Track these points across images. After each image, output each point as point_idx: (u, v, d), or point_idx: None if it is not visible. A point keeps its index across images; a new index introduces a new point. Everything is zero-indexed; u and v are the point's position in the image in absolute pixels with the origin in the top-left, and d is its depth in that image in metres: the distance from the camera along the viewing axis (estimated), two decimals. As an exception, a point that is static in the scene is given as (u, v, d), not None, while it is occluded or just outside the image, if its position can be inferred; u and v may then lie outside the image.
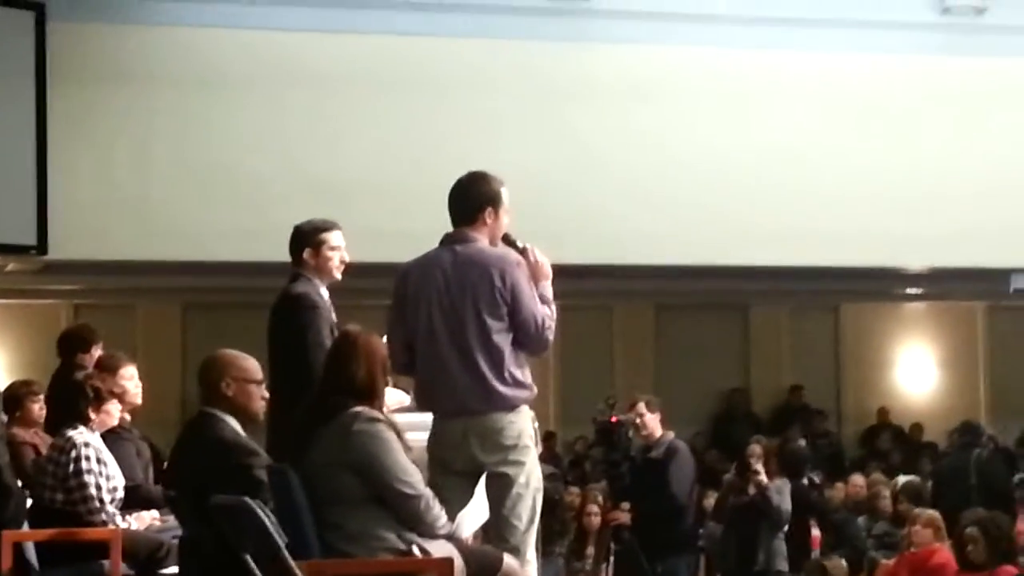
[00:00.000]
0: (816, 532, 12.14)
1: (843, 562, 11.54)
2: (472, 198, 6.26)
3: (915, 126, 14.71)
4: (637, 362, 17.86)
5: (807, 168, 14.43)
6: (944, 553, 10.55)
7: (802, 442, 13.74)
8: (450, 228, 6.29)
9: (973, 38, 14.74)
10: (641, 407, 10.92)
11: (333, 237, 6.97)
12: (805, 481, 12.18)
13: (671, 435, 10.99)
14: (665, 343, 18.14)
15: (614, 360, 17.92)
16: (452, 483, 6.01)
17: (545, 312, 6.17)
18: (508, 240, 6.32)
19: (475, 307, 6.07)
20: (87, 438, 7.59)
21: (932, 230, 14.57)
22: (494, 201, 6.27)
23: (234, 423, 6.33)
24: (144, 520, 7.81)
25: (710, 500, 13.10)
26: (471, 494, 5.94)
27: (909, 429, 18.70)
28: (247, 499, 5.17)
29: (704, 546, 12.07)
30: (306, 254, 6.91)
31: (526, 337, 6.12)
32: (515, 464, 6.08)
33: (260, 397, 6.40)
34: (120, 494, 7.62)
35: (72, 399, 7.79)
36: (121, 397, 8.19)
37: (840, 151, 14.52)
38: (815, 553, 11.78)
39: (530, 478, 6.12)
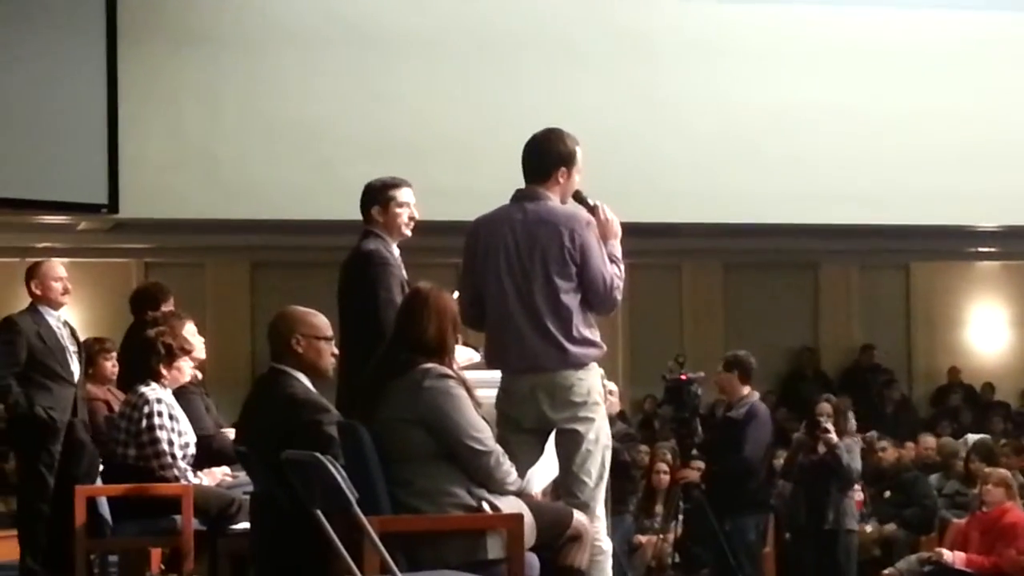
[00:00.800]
0: (860, 495, 12.07)
1: None
2: (547, 156, 6.22)
3: (988, 84, 14.57)
4: (706, 321, 17.81)
5: (879, 127, 14.34)
6: (1016, 512, 10.51)
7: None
8: (520, 186, 6.28)
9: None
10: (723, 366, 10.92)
11: (402, 194, 6.94)
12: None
13: (754, 396, 10.97)
14: (734, 302, 18.07)
15: (683, 319, 17.87)
16: (521, 440, 6.01)
17: (614, 271, 6.14)
18: (579, 197, 6.30)
19: (544, 266, 6.06)
20: (159, 394, 7.65)
21: (1004, 188, 14.45)
22: (568, 160, 6.23)
23: (304, 380, 6.36)
24: (215, 476, 7.88)
25: (780, 459, 13.08)
26: (540, 451, 5.92)
27: (980, 388, 18.57)
28: (318, 455, 5.18)
29: (774, 505, 12.05)
30: (375, 211, 6.88)
31: (595, 296, 6.10)
32: (585, 421, 6.07)
33: (330, 353, 6.42)
34: (192, 450, 7.68)
35: (144, 356, 7.84)
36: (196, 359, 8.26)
37: (911, 109, 14.42)
38: (858, 515, 11.72)
39: (599, 435, 6.11)
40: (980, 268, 19.06)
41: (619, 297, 6.18)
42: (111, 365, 9.15)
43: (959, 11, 14.56)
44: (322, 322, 6.46)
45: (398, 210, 6.89)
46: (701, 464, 10.89)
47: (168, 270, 16.00)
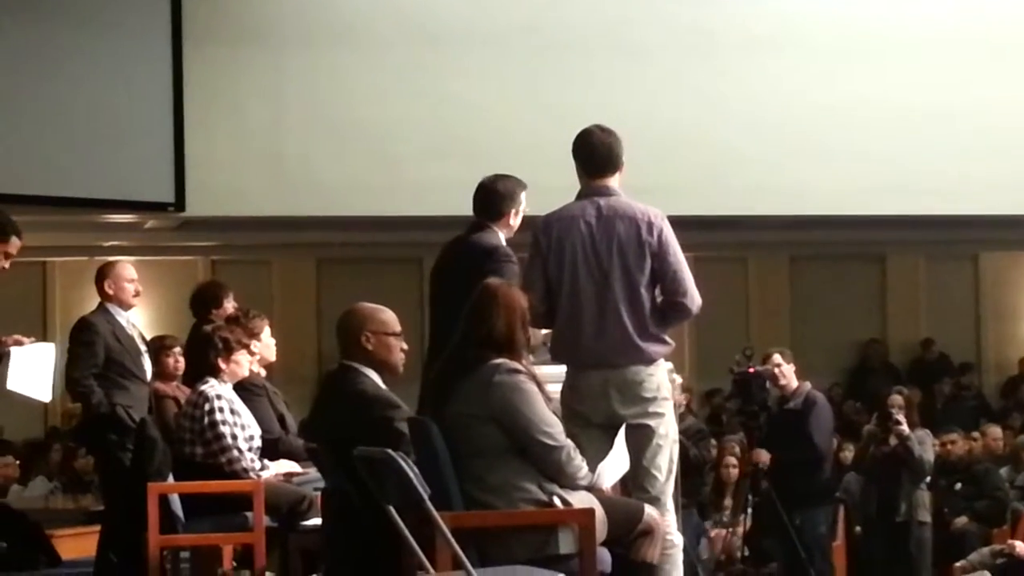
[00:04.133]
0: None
1: None
2: (613, 152, 6.27)
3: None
4: (772, 314, 17.72)
5: (944, 117, 14.22)
6: (1088, 503, 10.42)
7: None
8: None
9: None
10: (777, 358, 10.89)
11: (524, 197, 7.03)
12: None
13: (808, 386, 10.96)
14: (800, 294, 17.97)
15: (749, 312, 17.79)
16: (590, 435, 6.02)
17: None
18: None
19: (622, 259, 6.08)
20: (219, 390, 7.68)
21: (1075, 175, 14.31)
22: (622, 158, 6.31)
23: (375, 376, 6.35)
24: (283, 466, 7.89)
25: (847, 452, 13.02)
26: (608, 446, 5.93)
27: (1051, 380, 18.39)
28: (390, 451, 5.19)
29: (842, 497, 11.99)
30: (512, 213, 6.94)
31: (670, 289, 6.10)
32: (655, 416, 6.10)
33: (399, 350, 6.42)
34: (257, 443, 7.70)
35: (202, 351, 7.88)
36: (254, 354, 8.28)
37: (978, 98, 14.29)
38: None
39: (669, 429, 6.15)
40: (1050, 258, 18.88)
41: (693, 303, 6.16)
42: (173, 361, 9.18)
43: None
44: (391, 318, 6.46)
45: (521, 213, 6.98)
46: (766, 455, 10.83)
47: (234, 268, 16.11)
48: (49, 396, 8.54)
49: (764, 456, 10.60)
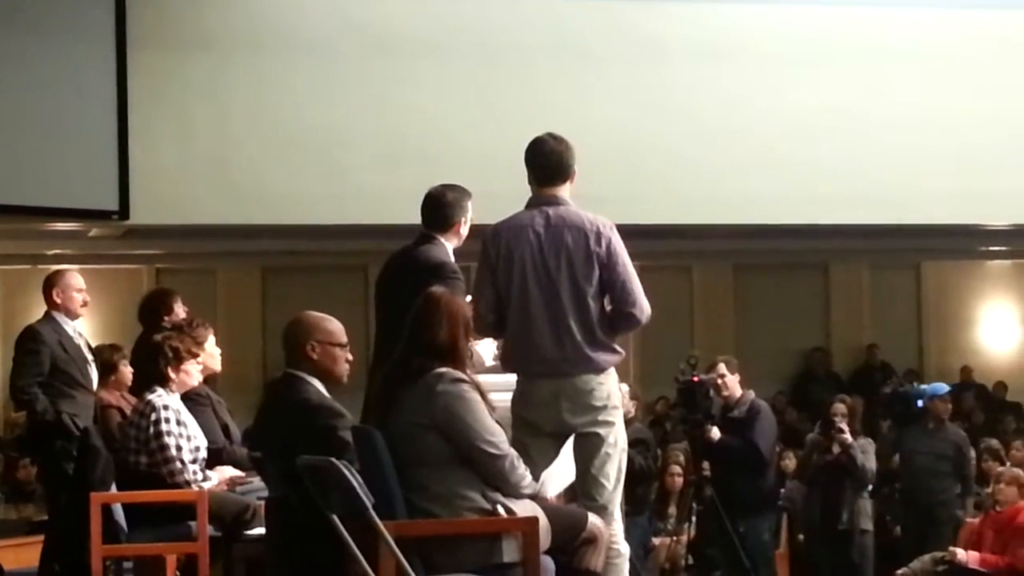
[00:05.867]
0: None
1: None
2: (563, 161, 6.28)
3: (996, 81, 14.55)
4: (717, 322, 17.80)
5: (888, 128, 14.32)
6: (1030, 511, 10.48)
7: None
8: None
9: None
10: (722, 368, 10.93)
11: (471, 205, 7.04)
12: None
13: (752, 394, 11.01)
14: (745, 303, 18.06)
15: (694, 320, 17.86)
16: (540, 444, 6.05)
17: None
18: None
19: (570, 269, 6.09)
20: (166, 400, 7.65)
21: (1014, 187, 14.42)
22: (573, 168, 6.32)
23: (319, 385, 6.35)
24: (225, 473, 7.87)
25: (789, 460, 13.08)
26: (557, 455, 5.95)
27: (992, 388, 18.53)
28: (334, 459, 5.19)
29: (785, 505, 12.05)
30: (462, 222, 6.94)
31: (618, 300, 6.11)
32: (605, 424, 6.12)
33: (344, 360, 6.41)
34: (203, 453, 7.68)
35: (151, 360, 7.85)
36: (203, 364, 8.25)
37: (920, 110, 14.40)
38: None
39: (618, 438, 6.18)
40: (991, 267, 19.04)
41: (642, 312, 6.17)
42: (129, 371, 9.16)
43: (966, 11, 14.55)
44: (337, 328, 6.45)
45: (469, 220, 6.98)
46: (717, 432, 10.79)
47: (179, 276, 16.05)
48: None
49: (714, 433, 10.57)
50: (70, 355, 8.79)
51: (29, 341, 8.84)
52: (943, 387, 12.27)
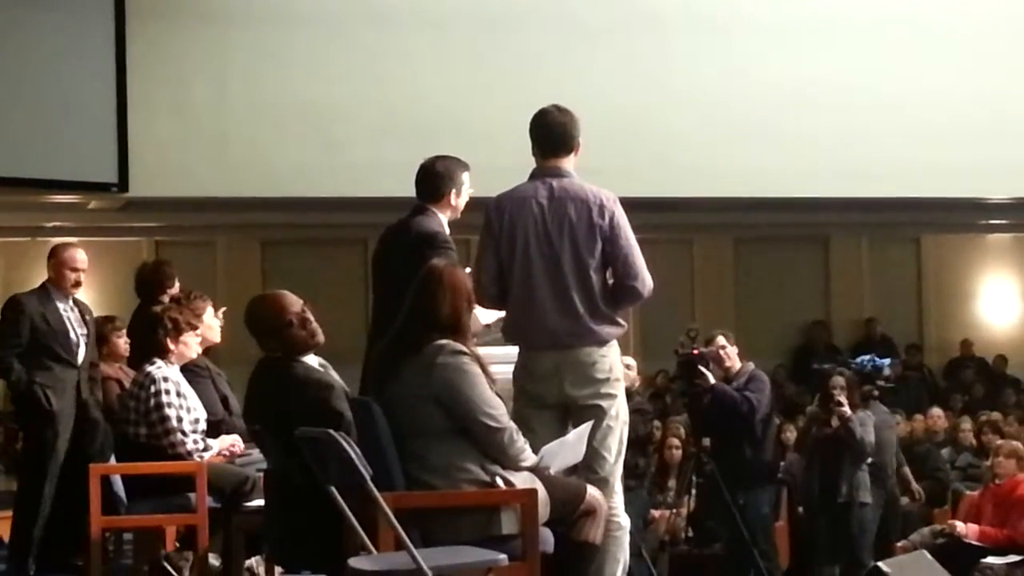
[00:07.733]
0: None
1: None
2: (568, 132, 6.24)
3: (999, 54, 14.52)
4: (717, 295, 17.80)
5: (889, 100, 14.30)
6: (1028, 484, 10.50)
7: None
8: (530, 164, 6.27)
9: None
10: (721, 340, 10.92)
11: (467, 177, 6.99)
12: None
13: (751, 365, 11.00)
14: (745, 276, 18.06)
15: (694, 293, 17.86)
16: (543, 416, 6.05)
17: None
18: None
19: (572, 242, 6.06)
20: (166, 372, 7.66)
21: (1015, 160, 14.41)
22: (578, 139, 6.28)
23: (305, 359, 6.38)
24: (226, 441, 7.87)
25: (789, 433, 13.07)
26: (559, 427, 5.96)
27: (992, 361, 18.54)
28: (332, 431, 5.18)
29: (784, 478, 12.05)
30: (453, 194, 6.90)
31: (621, 272, 6.09)
32: (607, 397, 6.09)
33: (312, 323, 6.45)
34: (202, 425, 7.69)
35: (150, 331, 7.85)
36: (202, 336, 8.26)
37: (922, 81, 14.37)
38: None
39: (620, 411, 6.14)
40: (992, 240, 19.02)
41: (644, 286, 6.15)
42: (123, 343, 9.17)
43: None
44: (296, 299, 6.51)
45: (465, 194, 6.93)
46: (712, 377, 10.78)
47: (178, 248, 16.05)
48: None
49: (705, 381, 10.57)
50: (52, 328, 8.78)
51: (9, 311, 8.90)
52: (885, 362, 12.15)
